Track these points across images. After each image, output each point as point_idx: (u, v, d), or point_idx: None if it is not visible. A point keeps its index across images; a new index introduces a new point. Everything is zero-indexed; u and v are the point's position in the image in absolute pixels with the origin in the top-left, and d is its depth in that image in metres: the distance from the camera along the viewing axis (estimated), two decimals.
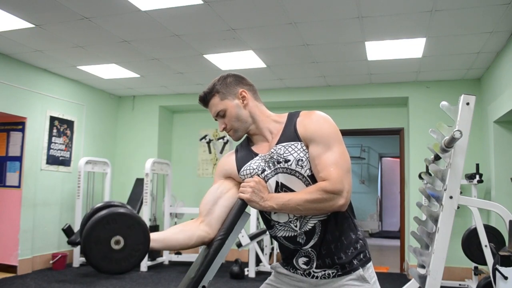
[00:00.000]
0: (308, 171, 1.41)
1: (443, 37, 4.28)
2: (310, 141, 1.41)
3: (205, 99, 1.54)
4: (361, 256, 1.46)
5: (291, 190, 1.43)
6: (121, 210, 1.30)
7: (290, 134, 1.45)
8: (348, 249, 1.44)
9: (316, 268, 1.45)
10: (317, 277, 1.46)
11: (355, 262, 1.44)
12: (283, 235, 1.48)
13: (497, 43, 4.39)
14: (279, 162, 1.44)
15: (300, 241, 1.45)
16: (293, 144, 1.43)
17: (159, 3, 3.65)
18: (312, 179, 1.41)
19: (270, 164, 1.46)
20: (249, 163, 1.51)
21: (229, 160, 1.58)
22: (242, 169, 1.51)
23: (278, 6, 3.64)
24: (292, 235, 1.46)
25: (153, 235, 1.35)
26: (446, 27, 4.02)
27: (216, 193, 1.52)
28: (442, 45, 4.53)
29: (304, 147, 1.42)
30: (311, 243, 1.44)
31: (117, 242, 1.27)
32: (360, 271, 1.43)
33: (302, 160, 1.41)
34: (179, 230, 1.45)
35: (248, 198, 1.41)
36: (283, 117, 1.53)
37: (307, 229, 1.43)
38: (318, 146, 1.39)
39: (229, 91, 1.51)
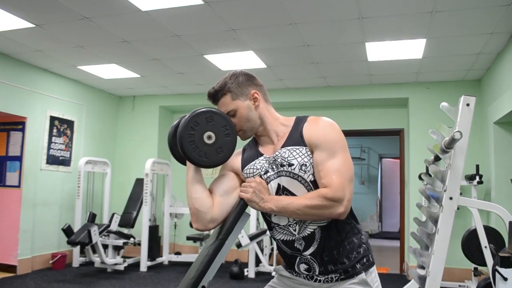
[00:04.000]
0: (311, 176, 1.40)
1: (443, 38, 4.28)
2: (315, 147, 1.40)
3: (215, 97, 1.52)
4: (364, 260, 1.46)
5: (292, 194, 1.42)
6: (219, 111, 1.47)
7: (295, 138, 1.45)
8: (351, 253, 1.44)
9: (319, 274, 1.45)
10: (320, 281, 1.46)
11: (358, 266, 1.44)
12: (282, 239, 1.48)
13: (497, 44, 4.39)
14: (282, 165, 1.43)
15: (298, 246, 1.45)
16: (298, 149, 1.43)
17: (159, 3, 3.65)
18: (314, 184, 1.40)
19: (274, 167, 1.46)
20: (253, 162, 1.51)
21: (235, 158, 1.57)
22: (246, 168, 1.52)
23: (278, 6, 3.64)
24: (290, 239, 1.46)
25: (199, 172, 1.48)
26: (447, 28, 4.02)
27: (225, 186, 1.50)
28: (442, 46, 4.53)
29: (309, 152, 1.41)
30: (310, 250, 1.43)
31: (209, 137, 1.43)
32: (362, 275, 1.43)
33: (305, 165, 1.40)
34: (209, 197, 1.46)
35: (249, 198, 1.41)
36: (291, 120, 1.52)
37: (306, 235, 1.43)
38: (322, 153, 1.38)
39: (241, 91, 1.50)
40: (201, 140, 1.42)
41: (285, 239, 1.47)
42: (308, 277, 1.48)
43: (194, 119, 1.43)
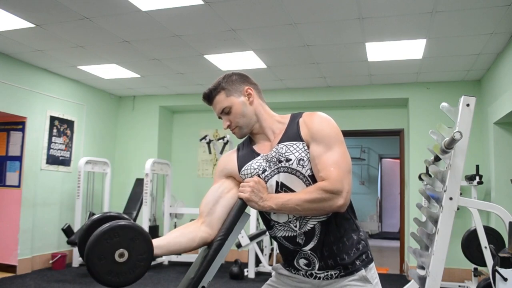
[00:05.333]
0: (309, 171, 1.41)
1: (443, 38, 4.28)
2: (311, 141, 1.41)
3: (209, 96, 1.53)
4: (364, 257, 1.46)
5: (291, 190, 1.42)
6: (122, 222, 1.28)
7: (292, 133, 1.46)
8: (351, 250, 1.44)
9: (318, 269, 1.45)
10: (319, 278, 1.46)
11: (357, 262, 1.44)
12: (283, 235, 1.48)
13: (498, 45, 4.39)
14: (280, 161, 1.44)
15: (299, 241, 1.45)
16: (295, 144, 1.43)
17: (159, 3, 3.65)
18: (313, 179, 1.40)
19: (271, 164, 1.46)
20: (250, 162, 1.51)
21: (230, 159, 1.57)
22: (243, 169, 1.51)
23: (278, 6, 3.64)
24: (292, 235, 1.46)
25: (155, 242, 1.34)
26: (447, 28, 4.02)
27: (217, 193, 1.51)
28: (443, 46, 4.53)
29: (306, 147, 1.42)
30: (311, 245, 1.43)
31: (121, 255, 1.26)
32: (362, 272, 1.43)
33: (303, 159, 1.41)
34: (180, 234, 1.43)
35: (247, 198, 1.41)
36: (286, 118, 1.53)
37: (307, 230, 1.43)
38: (319, 146, 1.39)
39: (234, 88, 1.52)
40: (117, 263, 1.25)
41: (286, 235, 1.47)
42: (307, 274, 1.48)
43: (96, 264, 1.24)
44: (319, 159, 1.37)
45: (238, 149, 1.60)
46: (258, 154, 1.51)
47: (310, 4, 3.59)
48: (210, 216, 1.47)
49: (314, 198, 1.33)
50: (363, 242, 1.48)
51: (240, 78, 1.54)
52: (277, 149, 1.45)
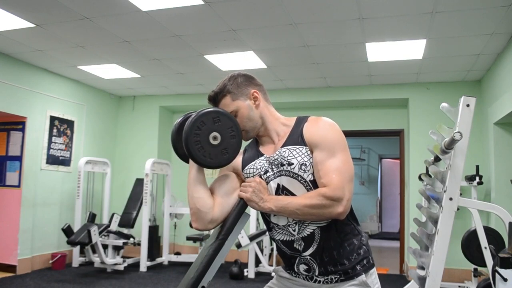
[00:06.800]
0: (310, 176, 1.40)
1: (443, 38, 4.28)
2: (314, 146, 1.40)
3: (215, 99, 1.52)
4: (364, 262, 1.45)
5: (292, 194, 1.42)
6: (226, 112, 1.46)
7: (296, 138, 1.45)
8: (351, 255, 1.44)
9: (318, 274, 1.45)
10: (319, 282, 1.46)
11: (358, 267, 1.43)
12: (281, 239, 1.48)
13: (498, 45, 4.39)
14: (282, 165, 1.43)
15: (297, 247, 1.44)
16: (298, 148, 1.43)
17: (159, 3, 3.65)
18: (314, 184, 1.40)
19: (274, 166, 1.46)
20: (253, 162, 1.51)
21: (237, 159, 1.57)
22: (246, 168, 1.52)
23: (278, 7, 3.64)
24: (290, 239, 1.45)
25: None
26: (447, 28, 4.02)
27: (226, 187, 1.50)
28: (443, 47, 4.53)
29: (309, 152, 1.41)
30: (310, 250, 1.43)
31: (215, 138, 1.42)
32: (363, 277, 1.42)
33: (305, 164, 1.40)
34: (210, 197, 1.47)
35: (248, 198, 1.41)
36: (292, 120, 1.52)
37: (305, 235, 1.42)
38: (322, 152, 1.38)
39: (240, 92, 1.50)
40: (207, 140, 1.41)
41: (284, 239, 1.47)
42: (307, 277, 1.48)
43: (201, 119, 1.41)
44: (321, 165, 1.37)
45: (244, 151, 1.60)
46: (262, 155, 1.51)
47: (310, 4, 3.59)
48: (216, 209, 1.46)
49: (314, 203, 1.33)
50: (364, 247, 1.48)
51: (246, 80, 1.53)
52: (280, 152, 1.45)
